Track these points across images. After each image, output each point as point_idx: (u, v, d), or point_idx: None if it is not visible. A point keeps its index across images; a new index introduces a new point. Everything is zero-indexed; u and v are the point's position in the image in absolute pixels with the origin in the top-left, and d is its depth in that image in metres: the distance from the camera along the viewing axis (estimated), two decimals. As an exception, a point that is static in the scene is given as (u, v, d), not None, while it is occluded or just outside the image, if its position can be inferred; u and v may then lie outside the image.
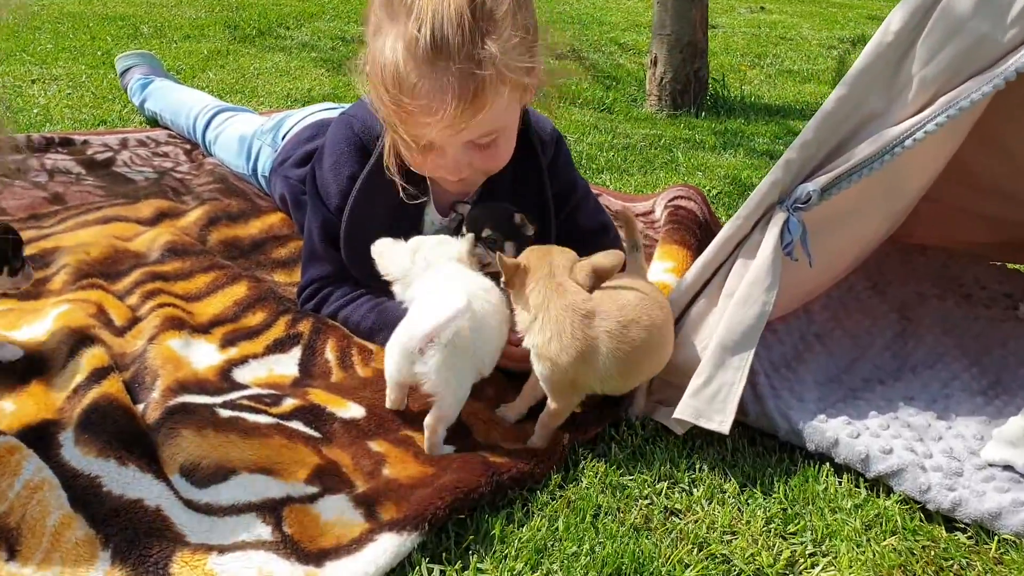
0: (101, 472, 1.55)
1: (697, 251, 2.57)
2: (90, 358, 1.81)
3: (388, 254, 1.87)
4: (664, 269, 2.44)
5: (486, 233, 1.97)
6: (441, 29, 1.71)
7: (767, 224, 1.84)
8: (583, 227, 2.21)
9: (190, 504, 1.52)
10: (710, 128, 4.56)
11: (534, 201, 2.17)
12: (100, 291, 2.13)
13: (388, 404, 1.83)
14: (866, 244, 2.24)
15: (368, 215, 2.10)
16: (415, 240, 1.90)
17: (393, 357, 1.74)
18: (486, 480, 1.57)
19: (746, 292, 1.77)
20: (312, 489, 1.59)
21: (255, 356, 1.98)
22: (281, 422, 1.73)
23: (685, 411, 1.75)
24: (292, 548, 1.44)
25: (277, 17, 6.36)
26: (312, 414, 1.78)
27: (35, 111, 3.81)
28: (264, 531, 1.47)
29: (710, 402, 1.74)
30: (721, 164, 3.84)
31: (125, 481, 1.53)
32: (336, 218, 2.15)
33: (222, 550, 1.40)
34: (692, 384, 1.76)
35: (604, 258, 1.76)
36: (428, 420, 1.71)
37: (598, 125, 4.44)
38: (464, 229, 1.99)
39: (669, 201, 2.90)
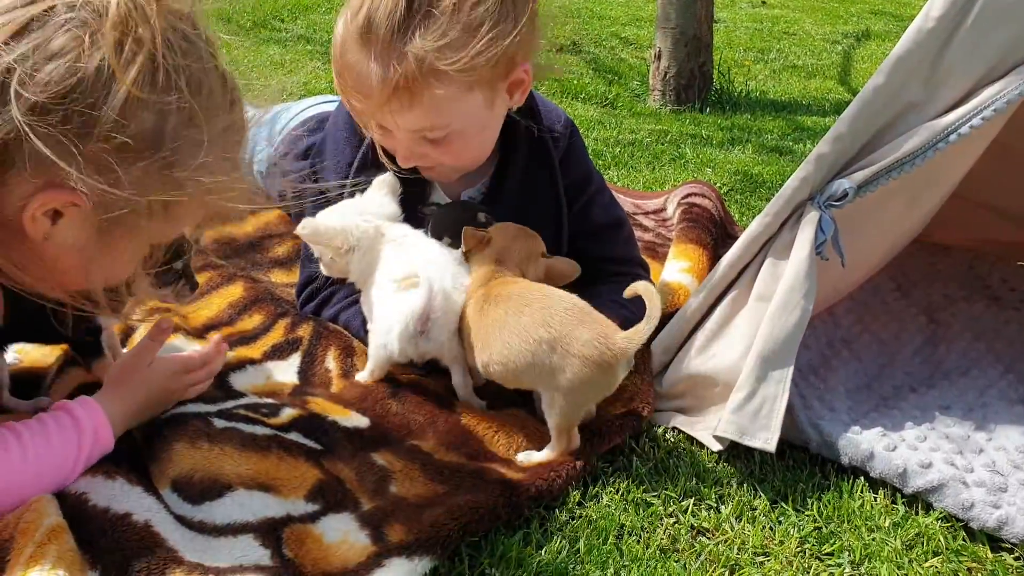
0: (87, 488, 1.43)
1: (713, 250, 2.47)
2: (77, 373, 1.70)
3: (324, 224, 1.84)
4: (680, 269, 2.32)
5: (445, 241, 1.91)
6: (375, 14, 1.72)
7: (797, 222, 1.74)
8: (596, 221, 2.11)
9: (182, 520, 1.41)
10: (716, 124, 4.46)
11: (546, 195, 2.08)
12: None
13: (374, 379, 1.83)
14: (895, 243, 2.13)
15: None
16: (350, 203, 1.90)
17: (394, 345, 1.75)
18: (503, 502, 1.46)
19: (784, 299, 1.66)
20: (313, 507, 1.47)
21: (252, 361, 1.86)
22: (279, 434, 1.61)
23: (728, 429, 1.65)
24: (293, 573, 1.33)
25: (272, 9, 6.23)
26: (312, 424, 1.66)
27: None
28: (263, 555, 1.35)
29: (754, 418, 1.63)
30: (730, 160, 3.73)
31: (111, 494, 1.41)
32: None
33: (218, 572, 1.29)
34: (733, 399, 1.65)
35: (564, 263, 1.92)
36: (456, 382, 1.80)
37: (603, 120, 4.33)
38: (429, 232, 1.93)
39: (683, 198, 2.79)
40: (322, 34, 5.64)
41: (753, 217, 2.98)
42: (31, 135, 1.16)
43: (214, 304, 2.09)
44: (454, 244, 1.88)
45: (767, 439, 1.65)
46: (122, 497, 1.41)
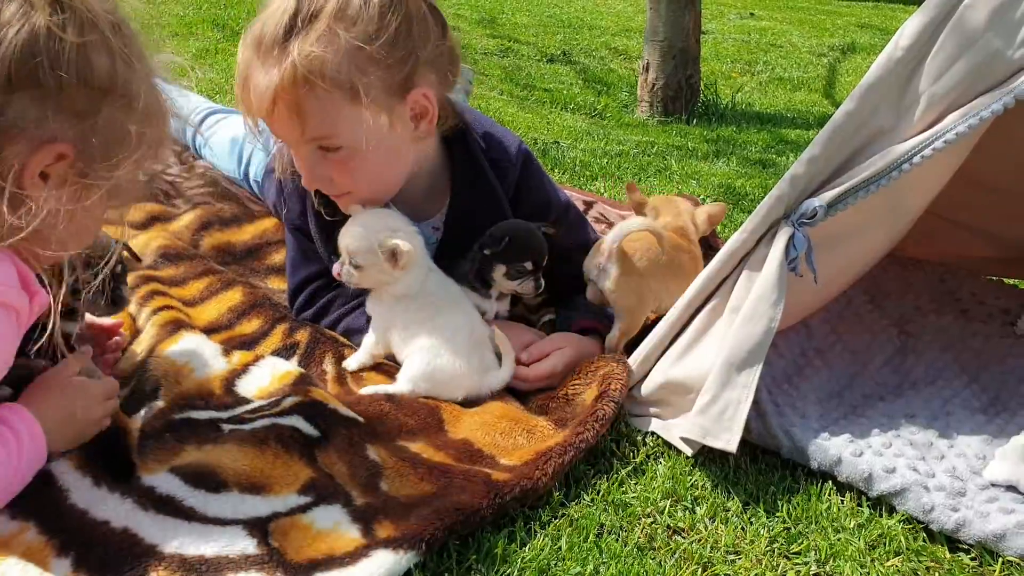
0: (70, 486, 1.50)
1: (695, 261, 2.56)
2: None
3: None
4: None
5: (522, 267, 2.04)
6: (265, 26, 1.81)
7: (772, 238, 1.82)
8: (563, 245, 2.16)
9: (168, 505, 1.47)
10: (702, 136, 4.56)
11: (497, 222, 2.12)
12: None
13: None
14: (867, 261, 2.23)
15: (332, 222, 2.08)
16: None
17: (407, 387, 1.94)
18: (488, 502, 1.54)
19: (752, 308, 1.75)
20: (305, 499, 1.54)
21: (255, 362, 1.93)
22: (278, 421, 1.69)
23: (692, 430, 1.73)
24: (278, 562, 1.40)
25: (266, 16, 6.30)
26: (313, 409, 1.74)
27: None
28: (248, 544, 1.42)
29: (717, 420, 1.72)
30: (714, 172, 3.83)
31: (92, 499, 1.48)
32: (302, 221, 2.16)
33: (201, 571, 1.36)
34: (698, 402, 1.74)
35: (713, 207, 2.39)
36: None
37: (590, 131, 4.42)
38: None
39: (667, 211, 2.87)
40: (316, 41, 5.71)
41: (735, 229, 3.08)
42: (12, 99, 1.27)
43: (213, 308, 2.16)
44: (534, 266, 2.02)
45: (728, 440, 1.73)
46: (101, 503, 1.47)
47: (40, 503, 1.44)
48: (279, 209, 2.54)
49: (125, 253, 1.85)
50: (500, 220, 2.11)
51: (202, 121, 3.20)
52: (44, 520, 1.41)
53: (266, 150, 2.74)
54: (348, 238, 1.94)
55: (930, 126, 1.76)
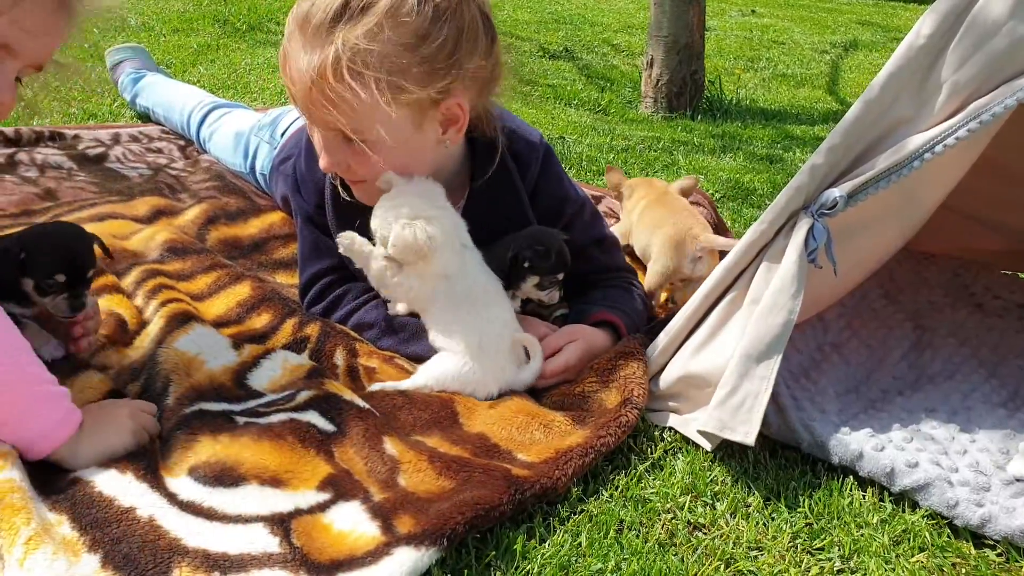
0: (96, 477, 1.49)
1: (707, 255, 2.54)
2: (101, 379, 1.76)
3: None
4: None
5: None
6: (316, 4, 1.78)
7: (791, 230, 1.80)
8: (578, 242, 2.14)
9: (191, 507, 1.46)
10: (707, 131, 4.53)
11: (514, 217, 2.11)
12: (111, 294, 2.05)
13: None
14: (884, 253, 2.20)
15: (350, 208, 2.06)
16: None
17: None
18: (508, 497, 1.51)
19: (771, 300, 1.73)
20: (323, 496, 1.52)
21: (265, 354, 1.90)
22: (295, 416, 1.67)
23: (709, 423, 1.71)
24: (301, 561, 1.38)
25: (267, 12, 6.26)
26: (328, 403, 1.72)
27: (21, 104, 3.70)
28: (271, 542, 1.41)
29: (735, 413, 1.69)
30: (721, 167, 3.80)
31: (118, 487, 1.47)
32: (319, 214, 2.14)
33: (225, 568, 1.34)
34: (717, 395, 1.71)
35: (684, 181, 2.68)
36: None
37: (595, 126, 4.40)
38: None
39: (677, 205, 2.85)
40: (317, 37, 5.67)
41: (745, 224, 3.07)
42: None
43: (222, 303, 2.13)
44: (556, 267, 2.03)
45: (747, 432, 1.70)
46: (129, 489, 1.47)
47: (71, 496, 1.44)
48: (288, 203, 2.51)
49: (98, 250, 1.83)
50: (519, 215, 2.09)
51: (206, 116, 3.18)
52: (77, 512, 1.40)
53: (272, 144, 2.72)
54: (375, 221, 1.92)
55: (951, 115, 1.74)
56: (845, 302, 2.33)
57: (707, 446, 1.77)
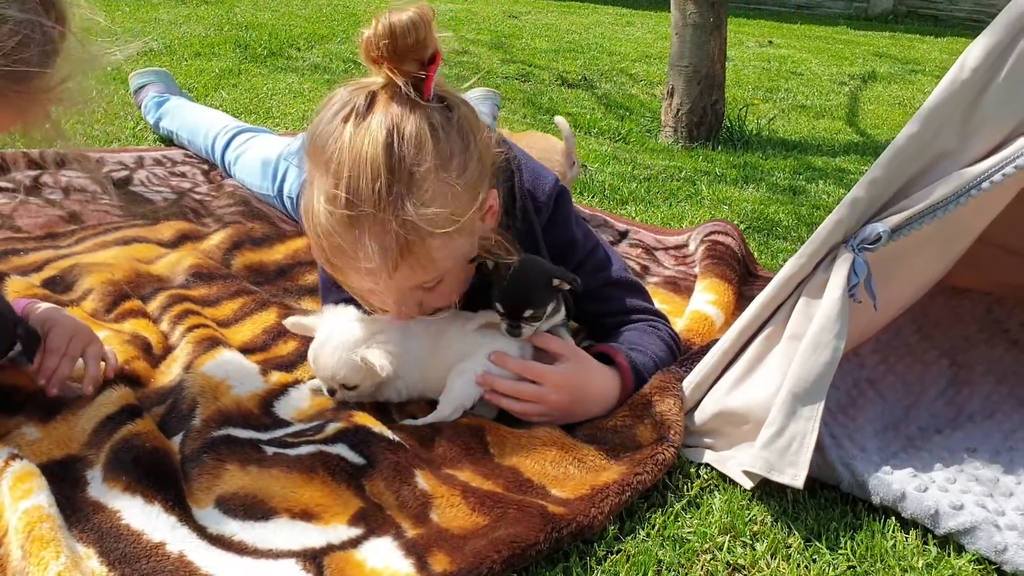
0: (123, 507, 1.46)
1: (737, 286, 2.51)
2: (122, 395, 1.72)
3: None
4: (707, 301, 2.37)
5: (528, 313, 1.86)
6: (357, 189, 1.61)
7: (831, 264, 1.76)
8: (586, 284, 1.98)
9: (220, 541, 1.43)
10: (728, 161, 4.51)
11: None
12: (136, 318, 2.03)
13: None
14: (921, 287, 2.16)
15: None
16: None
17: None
18: (545, 536, 1.47)
19: (815, 338, 1.69)
20: (355, 531, 1.49)
21: (294, 384, 1.87)
22: (324, 449, 1.64)
23: (756, 463, 1.66)
24: (336, 597, 1.35)
25: (287, 38, 6.29)
26: (357, 436, 1.69)
27: (44, 126, 3.71)
28: (304, 578, 1.38)
29: (782, 454, 1.65)
30: (745, 198, 3.77)
31: (147, 519, 1.44)
32: None
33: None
34: (763, 435, 1.67)
35: None
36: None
37: (616, 155, 4.38)
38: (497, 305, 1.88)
39: (706, 236, 2.83)
40: (338, 64, 5.70)
41: (772, 256, 3.03)
42: None
43: (248, 329, 2.11)
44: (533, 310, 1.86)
45: (795, 475, 1.67)
46: (157, 524, 1.44)
47: (97, 527, 1.41)
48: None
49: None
50: (535, 251, 2.00)
51: (231, 139, 3.17)
52: (105, 546, 1.37)
53: (301, 167, 2.70)
54: (325, 359, 1.81)
55: (995, 149, 1.71)
56: (880, 337, 2.29)
57: (747, 485, 1.73)
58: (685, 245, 2.95)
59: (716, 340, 2.12)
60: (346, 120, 1.66)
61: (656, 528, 1.62)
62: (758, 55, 8.30)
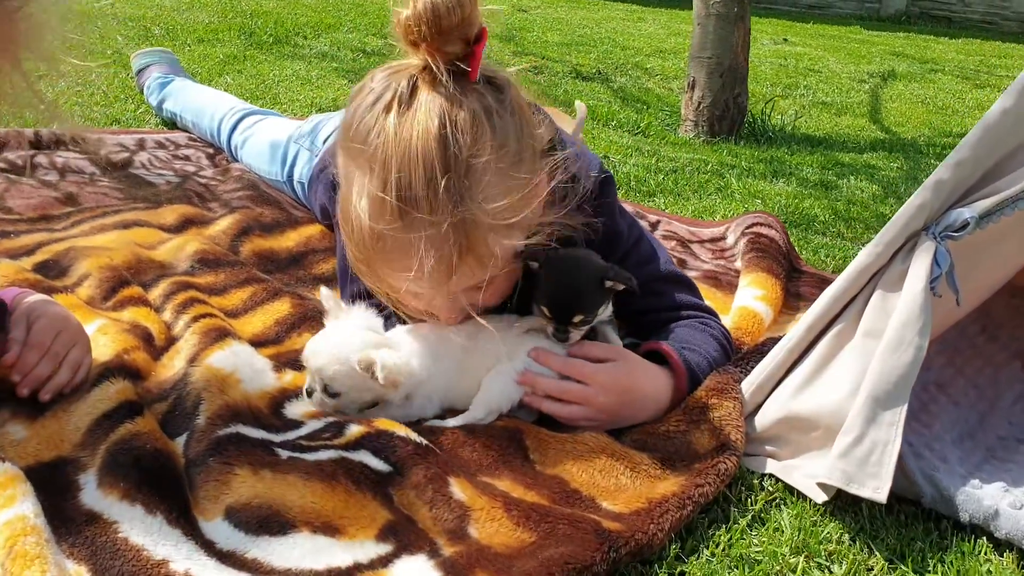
0: (121, 517, 1.28)
1: (784, 280, 2.33)
2: (120, 390, 1.53)
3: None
4: (755, 296, 2.19)
5: (578, 319, 1.67)
6: (410, 186, 1.43)
7: (909, 253, 1.58)
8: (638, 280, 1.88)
9: (231, 559, 1.25)
10: (753, 156, 4.33)
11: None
12: (137, 307, 1.85)
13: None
14: (999, 281, 1.98)
15: None
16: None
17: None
18: (601, 556, 1.28)
19: (897, 335, 1.51)
20: (385, 548, 1.31)
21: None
22: (346, 455, 1.46)
23: (833, 475, 1.48)
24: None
25: (293, 26, 6.10)
26: (380, 441, 1.49)
27: (41, 107, 3.52)
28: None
29: (862, 465, 1.46)
30: (777, 192, 3.60)
31: (147, 531, 1.26)
32: None
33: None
34: (839, 443, 1.49)
35: None
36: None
37: (638, 147, 4.20)
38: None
39: (747, 228, 2.64)
40: (345, 53, 5.52)
41: (812, 251, 2.85)
42: None
43: (259, 320, 1.92)
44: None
45: (877, 488, 1.48)
46: (160, 538, 1.26)
47: (90, 540, 1.23)
48: (327, 213, 2.30)
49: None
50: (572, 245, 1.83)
51: (238, 122, 2.99)
52: (99, 563, 1.19)
53: (312, 151, 2.52)
54: (316, 357, 1.61)
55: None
56: (945, 337, 2.10)
57: (819, 498, 1.54)
58: (722, 238, 2.77)
59: (769, 339, 1.94)
60: (388, 110, 1.47)
61: (721, 547, 1.43)
62: (774, 52, 8.14)
